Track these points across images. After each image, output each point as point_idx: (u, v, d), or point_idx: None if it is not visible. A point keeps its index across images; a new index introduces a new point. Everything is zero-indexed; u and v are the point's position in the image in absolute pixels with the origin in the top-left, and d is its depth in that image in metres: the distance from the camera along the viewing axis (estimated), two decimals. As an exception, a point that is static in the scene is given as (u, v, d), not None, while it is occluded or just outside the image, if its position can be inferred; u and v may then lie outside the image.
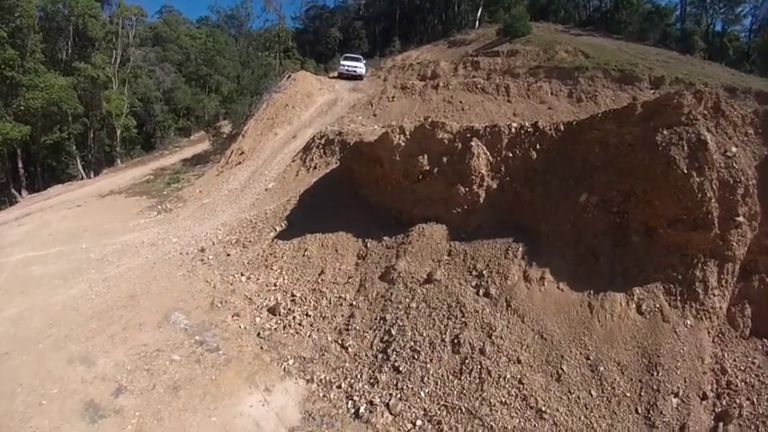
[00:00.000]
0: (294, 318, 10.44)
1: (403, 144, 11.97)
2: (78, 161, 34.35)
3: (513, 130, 11.12)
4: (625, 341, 8.24)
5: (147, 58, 42.07)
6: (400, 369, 8.56)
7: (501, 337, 8.53)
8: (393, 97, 23.68)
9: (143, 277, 12.09)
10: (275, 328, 10.28)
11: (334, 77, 31.44)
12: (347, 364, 9.04)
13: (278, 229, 13.73)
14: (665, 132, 8.73)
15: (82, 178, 31.98)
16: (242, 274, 12.15)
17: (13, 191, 31.36)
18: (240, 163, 20.69)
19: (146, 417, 7.82)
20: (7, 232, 16.27)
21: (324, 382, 8.79)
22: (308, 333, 9.99)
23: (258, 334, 10.14)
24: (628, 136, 9.33)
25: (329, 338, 9.74)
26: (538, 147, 10.68)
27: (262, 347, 9.77)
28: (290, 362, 9.32)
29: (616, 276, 8.87)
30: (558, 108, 21.57)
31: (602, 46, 29.62)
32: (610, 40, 32.31)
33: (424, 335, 8.96)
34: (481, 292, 9.39)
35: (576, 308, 8.73)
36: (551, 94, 23.02)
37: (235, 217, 15.38)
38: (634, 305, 8.56)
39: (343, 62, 32.54)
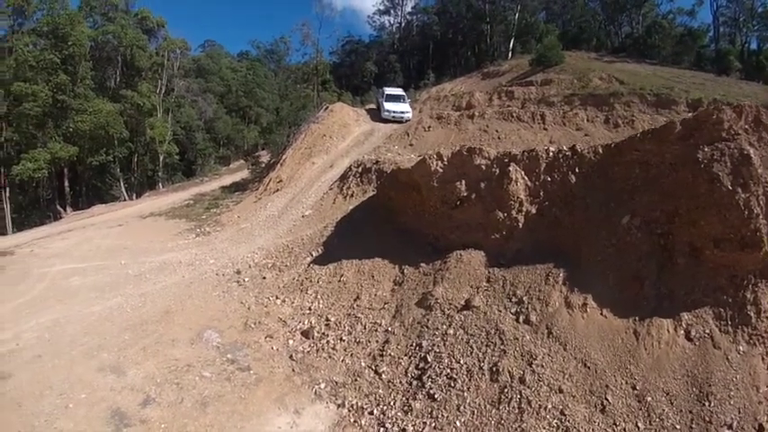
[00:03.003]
0: (328, 342, 10.31)
1: (440, 170, 11.96)
2: (122, 183, 35.87)
3: (551, 154, 11.00)
4: (674, 369, 7.75)
5: (191, 88, 43.98)
6: (436, 397, 8.22)
7: (542, 366, 8.13)
8: (429, 127, 23.89)
9: (179, 295, 12.30)
10: (308, 351, 10.16)
11: (371, 109, 30.33)
12: (380, 391, 8.77)
13: (314, 254, 13.79)
14: (706, 149, 8.49)
15: (125, 200, 33.23)
16: (277, 297, 12.19)
17: (58, 207, 33.04)
18: (278, 190, 21.08)
19: (172, 430, 7.78)
20: (50, 245, 16.99)
21: (355, 407, 8.54)
22: (342, 357, 9.81)
23: (291, 356, 10.05)
24: (668, 155, 9.13)
25: (363, 364, 9.52)
26: (576, 170, 10.52)
27: (293, 370, 9.65)
28: (322, 385, 9.13)
29: (662, 301, 8.44)
30: (594, 134, 21.20)
31: (637, 71, 29.36)
32: (644, 66, 31.89)
33: (462, 362, 8.63)
34: (521, 318, 9.03)
35: (620, 335, 8.29)
36: (587, 120, 22.79)
37: (271, 242, 15.58)
38: (682, 331, 8.08)
39: (386, 105, 27.39)
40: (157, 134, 37.01)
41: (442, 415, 7.91)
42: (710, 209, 8.22)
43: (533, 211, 10.70)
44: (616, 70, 29.11)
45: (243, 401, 8.60)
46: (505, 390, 7.98)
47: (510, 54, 43.25)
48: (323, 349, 10.13)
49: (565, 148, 11.11)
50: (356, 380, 9.13)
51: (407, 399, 8.42)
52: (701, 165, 8.41)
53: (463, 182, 11.59)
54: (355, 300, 11.38)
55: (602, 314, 8.63)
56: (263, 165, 28.41)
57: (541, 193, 10.77)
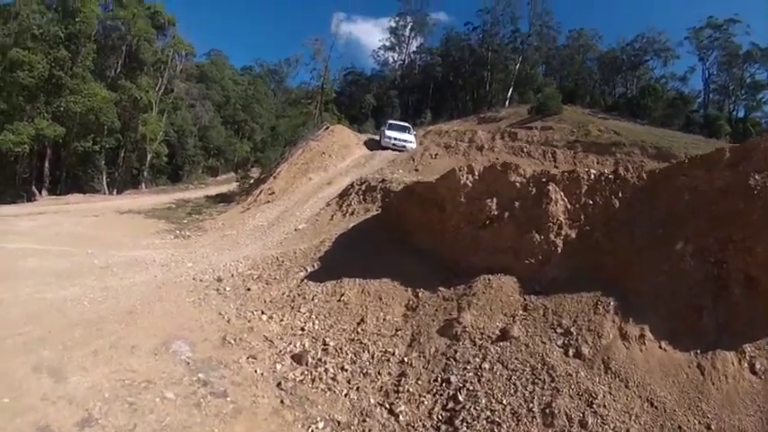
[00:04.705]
0: (326, 370, 8.39)
1: (470, 184, 10.81)
2: (104, 176, 34.38)
3: (593, 176, 10.05)
4: (745, 406, 6.63)
5: (190, 92, 42.96)
6: (474, 447, 6.47)
7: (604, 406, 6.61)
8: (436, 155, 23.38)
9: (147, 295, 10.47)
10: (301, 380, 8.21)
11: (370, 138, 29.78)
12: (397, 436, 6.95)
13: (309, 269, 12.11)
14: (757, 177, 8.03)
15: (105, 193, 31.99)
16: (263, 313, 10.32)
17: (34, 188, 31.09)
18: (269, 202, 19.89)
19: (113, 468, 5.75)
20: (16, 223, 15.71)
21: (365, 456, 6.68)
22: (345, 391, 7.90)
23: (279, 384, 8.05)
24: (718, 181, 8.56)
25: (372, 400, 7.65)
26: (620, 194, 9.61)
27: (282, 401, 7.63)
28: (320, 425, 7.14)
29: (722, 333, 7.39)
30: (607, 178, 20.73)
31: (631, 128, 30.02)
32: (636, 125, 32.67)
33: (504, 402, 6.94)
34: (571, 352, 7.53)
35: (684, 369, 7.08)
36: (597, 163, 22.91)
37: (259, 252, 13.89)
38: (747, 364, 7.06)
39: (388, 132, 26.87)
40: (149, 131, 35.60)
41: (485, 470, 6.16)
42: (766, 237, 7.52)
43: (573, 235, 9.51)
44: (612, 125, 29.82)
45: (216, 438, 6.57)
46: (564, 435, 6.35)
47: (507, 102, 43.98)
48: (320, 379, 8.20)
49: (607, 171, 10.23)
50: (365, 420, 7.22)
51: (434, 448, 6.63)
52: (753, 191, 7.88)
53: (494, 200, 10.40)
54: (359, 323, 9.61)
55: (660, 347, 7.37)
56: (253, 180, 27.18)
57: (582, 217, 9.65)
